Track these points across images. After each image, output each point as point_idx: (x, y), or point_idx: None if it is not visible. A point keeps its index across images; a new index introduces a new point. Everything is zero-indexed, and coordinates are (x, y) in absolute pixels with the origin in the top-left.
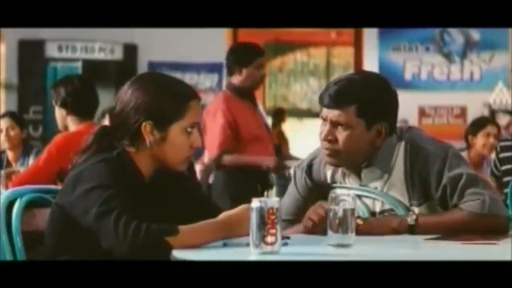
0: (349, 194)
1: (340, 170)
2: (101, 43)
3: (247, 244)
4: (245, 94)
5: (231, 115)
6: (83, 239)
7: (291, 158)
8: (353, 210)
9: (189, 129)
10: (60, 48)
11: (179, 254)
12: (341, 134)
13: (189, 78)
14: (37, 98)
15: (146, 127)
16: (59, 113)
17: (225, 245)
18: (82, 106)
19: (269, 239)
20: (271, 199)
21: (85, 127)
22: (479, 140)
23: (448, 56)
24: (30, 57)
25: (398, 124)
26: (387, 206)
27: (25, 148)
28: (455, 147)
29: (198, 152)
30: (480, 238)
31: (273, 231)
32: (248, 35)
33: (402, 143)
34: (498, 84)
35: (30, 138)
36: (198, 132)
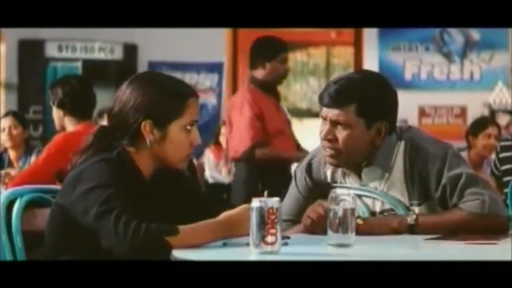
0: (349, 194)
1: (340, 169)
2: (101, 43)
3: (247, 244)
4: (269, 88)
5: (257, 108)
6: (83, 238)
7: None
8: (353, 210)
9: (188, 127)
10: (60, 48)
11: (179, 254)
12: (341, 134)
13: (189, 78)
14: (37, 98)
15: (146, 126)
16: (56, 113)
17: (225, 245)
18: (79, 107)
19: (269, 239)
20: (271, 199)
21: (84, 127)
22: (480, 141)
23: (448, 56)
24: (30, 57)
25: (398, 124)
26: (387, 206)
27: (27, 147)
28: (454, 147)
29: (199, 152)
30: (480, 238)
31: (273, 231)
32: (248, 35)
33: (402, 143)
34: (498, 84)
35: (31, 138)
36: (197, 130)
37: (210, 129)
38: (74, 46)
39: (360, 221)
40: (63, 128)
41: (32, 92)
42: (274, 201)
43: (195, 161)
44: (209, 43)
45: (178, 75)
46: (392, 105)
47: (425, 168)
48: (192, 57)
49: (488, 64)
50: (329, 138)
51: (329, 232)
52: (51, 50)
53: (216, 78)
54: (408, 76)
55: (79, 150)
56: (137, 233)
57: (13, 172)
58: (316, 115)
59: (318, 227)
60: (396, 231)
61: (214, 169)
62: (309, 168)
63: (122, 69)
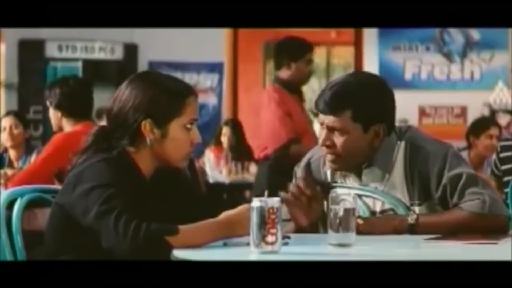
0: (350, 194)
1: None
2: (101, 43)
3: (248, 244)
4: (293, 88)
5: (286, 106)
6: (83, 238)
7: None
8: (353, 210)
9: (188, 126)
10: (60, 48)
11: (179, 254)
12: (338, 139)
13: (189, 77)
14: (37, 98)
15: (146, 125)
16: (54, 114)
17: (225, 244)
18: (77, 108)
19: (270, 238)
20: (272, 199)
21: (83, 127)
22: (482, 142)
23: (448, 56)
24: (30, 57)
25: (398, 124)
26: (387, 206)
27: (27, 147)
28: (454, 146)
29: (199, 152)
30: (481, 238)
31: (273, 230)
32: (248, 35)
33: (402, 143)
34: (498, 84)
35: (31, 138)
36: (196, 128)
37: (210, 129)
38: (74, 46)
39: (360, 221)
40: (60, 129)
41: (32, 92)
42: (274, 200)
43: (199, 163)
44: (209, 43)
45: (178, 75)
46: (389, 107)
47: (425, 168)
48: (192, 57)
49: (489, 64)
50: (327, 144)
51: (330, 231)
52: (51, 50)
53: (216, 78)
54: (408, 76)
55: (79, 150)
56: (137, 233)
57: (10, 172)
58: (316, 114)
59: (301, 208)
60: (396, 231)
61: (214, 169)
62: (308, 168)
63: (123, 69)
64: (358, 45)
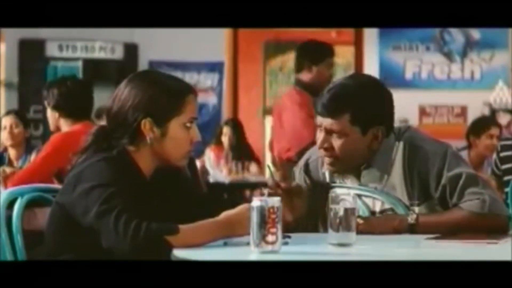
0: (350, 194)
1: None
2: (101, 43)
3: (248, 243)
4: (314, 91)
5: (307, 108)
6: (83, 238)
7: None
8: (353, 209)
9: (188, 124)
10: (60, 48)
11: (179, 254)
12: (336, 142)
13: (189, 77)
14: (37, 98)
15: (146, 124)
16: (51, 115)
17: (225, 244)
18: (75, 109)
19: (270, 238)
20: (272, 198)
21: (82, 126)
22: (482, 142)
23: (448, 55)
24: (30, 56)
25: (397, 124)
26: (387, 206)
27: (27, 147)
28: (453, 146)
29: (199, 151)
30: (481, 238)
31: (273, 230)
32: (248, 34)
33: (401, 143)
34: (498, 83)
35: (32, 138)
36: (196, 127)
37: (210, 129)
38: (75, 46)
39: (360, 221)
40: (57, 129)
41: (32, 91)
42: (275, 200)
43: (199, 162)
44: (210, 43)
45: (178, 74)
46: (387, 108)
47: (424, 168)
48: (192, 56)
49: (489, 63)
50: (325, 147)
51: (330, 231)
52: (51, 50)
53: (216, 78)
54: (408, 75)
55: (79, 149)
56: (137, 233)
57: (8, 170)
58: (316, 114)
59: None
60: (396, 231)
61: (214, 168)
62: (306, 168)
63: (123, 68)
64: (358, 44)
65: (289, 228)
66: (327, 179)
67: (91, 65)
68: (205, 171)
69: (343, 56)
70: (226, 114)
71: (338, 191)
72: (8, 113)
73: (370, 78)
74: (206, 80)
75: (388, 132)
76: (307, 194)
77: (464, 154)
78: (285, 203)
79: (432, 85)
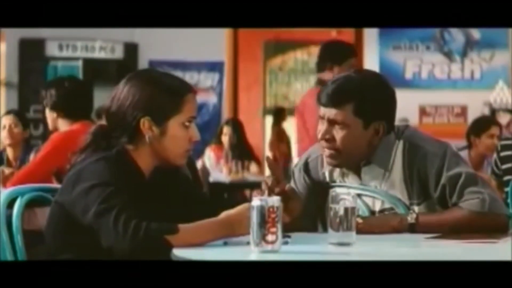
0: (349, 193)
1: (338, 169)
2: (101, 42)
3: (248, 243)
4: None
5: None
6: (83, 237)
7: None
8: (353, 209)
9: (187, 123)
10: (60, 47)
11: (179, 253)
12: (338, 133)
13: (189, 77)
14: (37, 97)
15: (145, 123)
16: (49, 115)
17: (225, 244)
18: (73, 109)
19: (270, 237)
20: (272, 198)
21: (81, 125)
22: (483, 142)
23: (448, 55)
24: (30, 56)
25: (397, 123)
26: (387, 205)
27: (26, 147)
28: (453, 146)
29: (199, 151)
30: (481, 237)
31: (273, 229)
32: (248, 34)
33: (401, 142)
34: (498, 83)
35: (31, 137)
36: (195, 126)
37: (210, 128)
38: (75, 45)
39: (359, 220)
40: (56, 129)
41: (32, 91)
42: (275, 199)
43: (199, 162)
44: (210, 42)
45: (178, 74)
46: (390, 104)
47: (424, 167)
48: (192, 56)
49: (489, 63)
50: (327, 138)
51: (330, 230)
52: (51, 49)
53: (216, 77)
54: (408, 75)
55: (78, 149)
56: (137, 232)
57: (8, 171)
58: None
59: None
60: (396, 230)
61: (214, 168)
62: (306, 167)
63: (123, 68)
64: (358, 44)
65: (286, 229)
66: (327, 178)
67: (91, 64)
68: (207, 170)
69: None
70: (226, 113)
71: (338, 190)
72: (7, 113)
73: (375, 73)
74: (206, 79)
75: (389, 128)
76: (301, 195)
77: (464, 153)
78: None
79: (432, 85)
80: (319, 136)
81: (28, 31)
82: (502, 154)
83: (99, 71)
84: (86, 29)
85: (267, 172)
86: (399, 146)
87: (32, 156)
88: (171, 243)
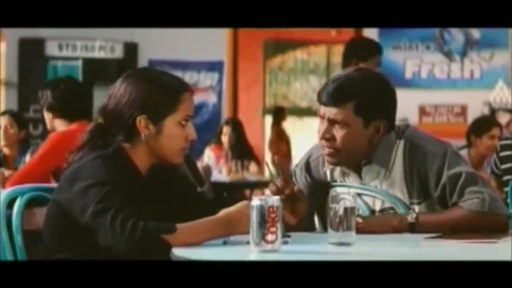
0: (350, 193)
1: (339, 168)
2: (101, 42)
3: (248, 243)
4: None
5: None
6: (80, 236)
7: None
8: (353, 209)
9: (183, 122)
10: (60, 47)
11: (178, 253)
12: (339, 132)
13: (189, 76)
14: (37, 97)
15: (141, 121)
16: (46, 116)
17: (225, 243)
18: (69, 110)
19: (270, 237)
20: (272, 197)
21: (79, 125)
22: (484, 142)
23: (448, 55)
24: (30, 55)
25: (397, 123)
26: (387, 205)
27: (22, 147)
28: (453, 145)
29: (199, 150)
30: (480, 237)
31: (273, 229)
32: (248, 34)
33: (401, 142)
34: (498, 83)
35: (31, 137)
36: (192, 125)
37: (210, 128)
38: (75, 45)
39: (359, 220)
40: (54, 130)
41: (32, 90)
42: (274, 199)
43: (201, 162)
44: (209, 42)
45: (178, 73)
46: (390, 103)
47: (424, 167)
48: (192, 55)
49: (489, 62)
50: (327, 137)
51: (330, 230)
52: (51, 49)
53: (216, 77)
54: (408, 75)
55: (75, 147)
56: (134, 231)
57: (7, 173)
58: (316, 113)
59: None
60: (396, 230)
61: (214, 168)
62: (307, 167)
63: (123, 67)
64: None
65: (286, 229)
66: (328, 178)
67: (91, 64)
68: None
69: None
70: (226, 113)
71: (338, 190)
72: (4, 113)
73: (375, 72)
74: (206, 79)
75: (390, 127)
76: (307, 197)
77: (463, 153)
78: (286, 207)
79: (432, 84)
80: (319, 135)
81: (28, 31)
82: (502, 154)
83: (99, 71)
84: (85, 29)
85: (267, 172)
86: (400, 145)
87: (28, 156)
88: (169, 242)
